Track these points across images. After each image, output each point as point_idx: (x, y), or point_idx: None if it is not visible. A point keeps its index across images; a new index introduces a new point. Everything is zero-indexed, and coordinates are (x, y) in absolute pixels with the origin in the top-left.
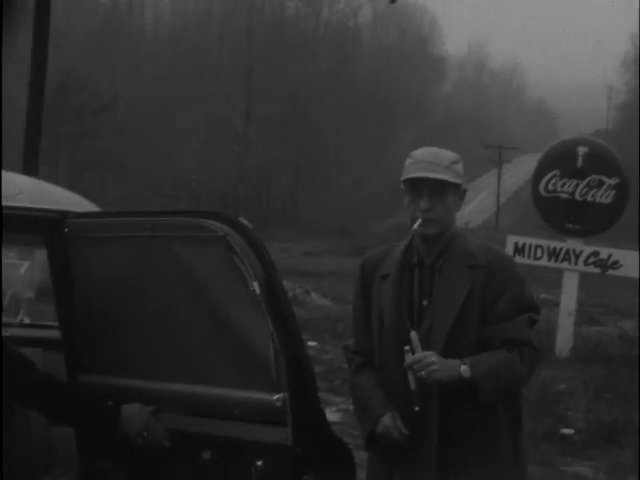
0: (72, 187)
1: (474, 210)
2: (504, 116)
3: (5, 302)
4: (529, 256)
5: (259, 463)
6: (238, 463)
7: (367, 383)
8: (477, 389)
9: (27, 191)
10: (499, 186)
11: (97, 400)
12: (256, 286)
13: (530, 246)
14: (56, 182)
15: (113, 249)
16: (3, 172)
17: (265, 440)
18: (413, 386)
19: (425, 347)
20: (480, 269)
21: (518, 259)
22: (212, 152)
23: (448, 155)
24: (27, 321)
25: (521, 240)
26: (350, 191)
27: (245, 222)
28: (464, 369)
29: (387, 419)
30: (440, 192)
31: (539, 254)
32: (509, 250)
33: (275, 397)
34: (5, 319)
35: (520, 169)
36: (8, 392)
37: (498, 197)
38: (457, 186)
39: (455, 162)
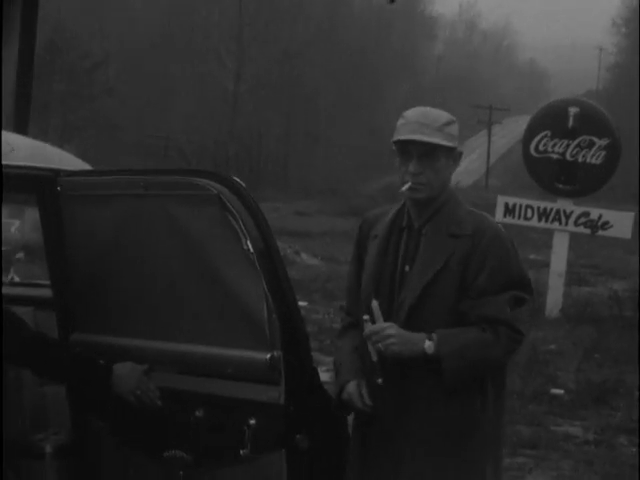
0: (62, 147)
1: (464, 170)
2: (495, 77)
3: None
4: (519, 217)
5: (252, 422)
6: (230, 422)
7: (345, 347)
8: (441, 367)
9: (20, 149)
10: (489, 147)
11: (89, 358)
12: (250, 245)
13: (520, 206)
14: (46, 142)
15: (106, 207)
16: None
17: (257, 399)
18: (374, 358)
19: (390, 317)
20: (464, 238)
21: (508, 220)
22: (202, 112)
23: (441, 116)
24: (17, 280)
25: (511, 200)
26: (341, 151)
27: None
28: (428, 345)
29: (351, 387)
30: (430, 155)
31: (529, 214)
32: (499, 211)
33: (268, 356)
34: None
35: (510, 130)
36: None
37: (488, 158)
38: (450, 149)
39: (448, 123)
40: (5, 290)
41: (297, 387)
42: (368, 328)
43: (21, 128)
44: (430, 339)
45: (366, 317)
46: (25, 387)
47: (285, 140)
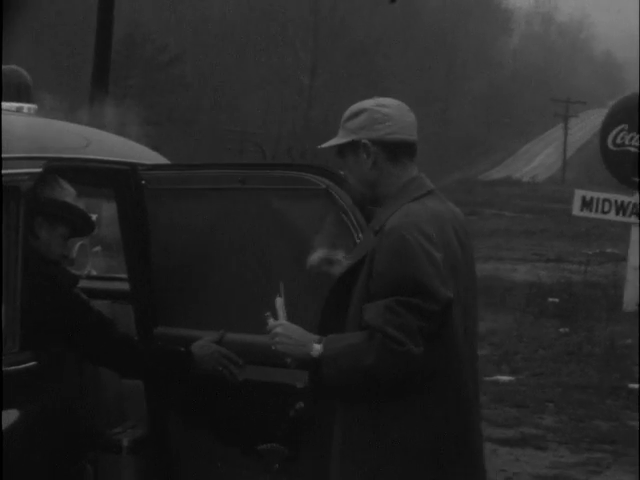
0: (138, 141)
1: (540, 165)
2: (571, 69)
3: (73, 255)
4: (596, 210)
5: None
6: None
7: None
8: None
9: (96, 143)
10: (566, 140)
11: (170, 350)
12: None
13: (598, 200)
14: (123, 136)
15: (198, 201)
16: (72, 125)
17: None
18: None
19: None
20: (378, 235)
21: (585, 213)
22: (278, 106)
23: (350, 110)
24: (94, 273)
25: (589, 194)
26: (417, 144)
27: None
28: (316, 348)
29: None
30: (341, 156)
31: (607, 208)
32: (576, 204)
33: None
34: (74, 272)
35: (587, 123)
36: (83, 350)
37: (565, 151)
38: (357, 143)
39: (349, 118)
40: (83, 284)
41: None
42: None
43: (98, 122)
44: (319, 342)
45: (267, 314)
46: (103, 381)
47: None
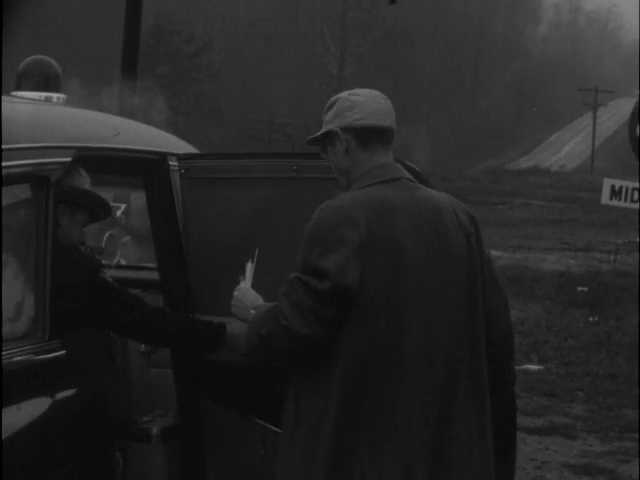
0: (167, 131)
1: (569, 154)
2: (600, 59)
3: (102, 244)
4: (625, 199)
5: None
6: None
7: None
8: None
9: (125, 132)
10: (594, 129)
11: (204, 321)
12: None
13: (627, 189)
14: (151, 125)
15: (242, 191)
16: (101, 114)
17: None
18: None
19: None
20: None
21: (614, 202)
22: (306, 95)
23: (327, 103)
24: (123, 263)
25: (618, 183)
26: (445, 134)
27: None
28: (251, 313)
29: None
30: (324, 151)
31: (636, 197)
32: (605, 193)
33: None
34: (103, 261)
35: (616, 112)
36: (116, 329)
37: (593, 140)
38: (331, 133)
39: (326, 110)
40: (113, 273)
41: None
42: None
43: (126, 112)
44: (255, 309)
45: (241, 277)
46: (132, 369)
47: None
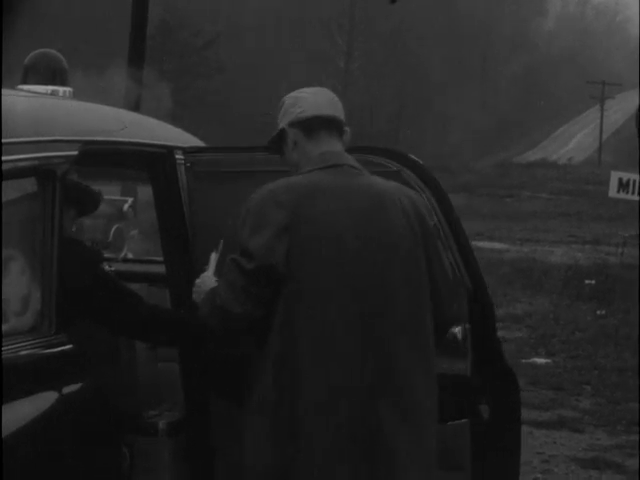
0: (174, 125)
1: (577, 147)
2: (607, 52)
3: (109, 238)
4: (633, 192)
5: None
6: None
7: None
8: None
9: (132, 126)
10: (602, 122)
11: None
12: (436, 220)
13: (634, 182)
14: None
15: (248, 184)
16: (108, 108)
17: (442, 371)
18: None
19: None
20: None
21: (622, 195)
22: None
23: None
24: (131, 257)
25: (625, 176)
26: (452, 127)
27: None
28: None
29: None
30: (280, 152)
31: None
32: (613, 186)
33: (457, 329)
34: (110, 255)
35: (623, 105)
36: (114, 325)
37: (601, 133)
38: (282, 132)
39: (277, 112)
40: (120, 267)
41: (482, 358)
42: None
43: (133, 106)
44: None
45: (205, 267)
46: (139, 364)
47: (396, 117)
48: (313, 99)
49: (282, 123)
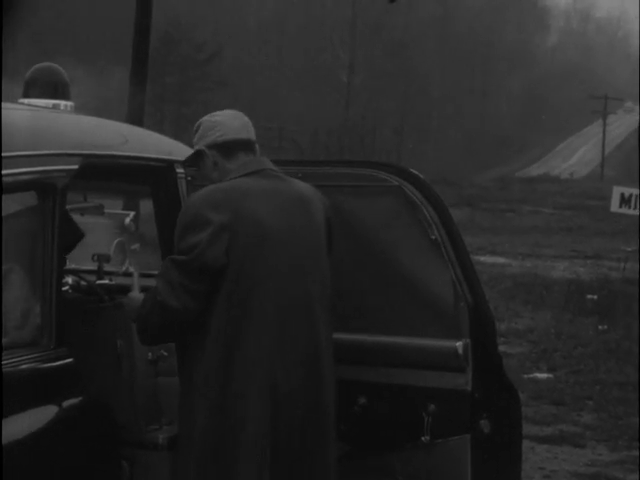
0: (177, 139)
1: (579, 161)
2: (610, 66)
3: (111, 252)
4: (635, 207)
5: (432, 409)
6: (408, 409)
7: None
8: None
9: (133, 140)
10: (604, 137)
11: None
12: (437, 234)
13: (636, 197)
14: (161, 133)
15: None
16: (109, 122)
17: (442, 386)
18: None
19: None
20: None
21: (624, 210)
22: (316, 103)
23: (194, 127)
24: (132, 270)
25: (627, 191)
26: (454, 142)
27: None
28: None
29: None
30: (195, 167)
31: None
32: (615, 201)
33: (457, 344)
34: (111, 269)
35: (625, 120)
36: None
37: (603, 148)
38: (199, 153)
39: (193, 134)
40: (121, 280)
41: (483, 373)
42: None
43: (136, 120)
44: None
45: (131, 286)
46: (138, 377)
47: (398, 131)
48: (230, 123)
49: (200, 145)
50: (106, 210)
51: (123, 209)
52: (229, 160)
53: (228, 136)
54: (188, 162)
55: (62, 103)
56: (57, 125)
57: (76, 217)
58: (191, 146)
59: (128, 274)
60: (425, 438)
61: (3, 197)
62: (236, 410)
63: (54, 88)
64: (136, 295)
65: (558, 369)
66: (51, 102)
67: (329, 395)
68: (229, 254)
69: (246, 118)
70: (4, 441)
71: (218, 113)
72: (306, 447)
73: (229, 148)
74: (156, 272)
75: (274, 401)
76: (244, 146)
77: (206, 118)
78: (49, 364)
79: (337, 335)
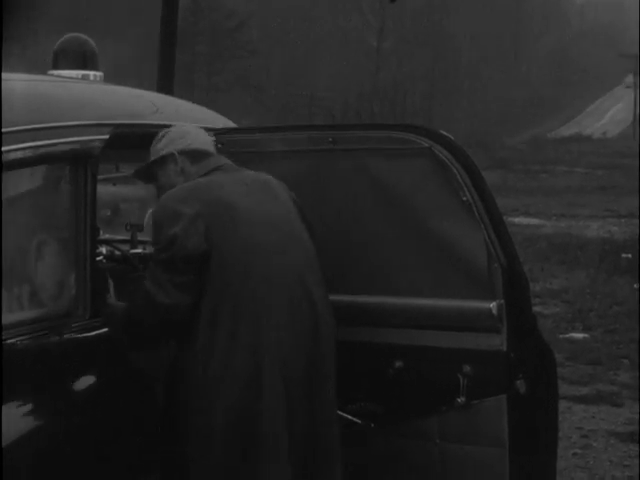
0: (207, 107)
1: (611, 121)
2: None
3: (144, 222)
4: None
5: (468, 370)
6: (444, 371)
7: None
8: None
9: (164, 109)
10: (636, 95)
11: None
12: (469, 195)
13: None
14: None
15: (282, 164)
16: (139, 91)
17: (478, 347)
18: None
19: None
20: None
21: None
22: (346, 69)
23: (156, 137)
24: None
25: None
26: (485, 104)
27: None
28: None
29: None
30: (150, 179)
31: None
32: None
33: (491, 305)
34: (144, 238)
35: None
36: None
37: (635, 106)
38: (165, 158)
39: (156, 142)
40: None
41: (517, 333)
42: None
43: (166, 89)
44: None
45: (107, 295)
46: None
47: (429, 95)
48: (198, 134)
49: (170, 149)
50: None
51: None
52: (194, 166)
53: (198, 145)
54: (148, 168)
55: (91, 73)
56: (87, 96)
57: (109, 187)
58: (221, 113)
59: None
60: (461, 400)
61: (36, 168)
62: (251, 386)
63: (83, 59)
64: (116, 304)
65: (594, 328)
66: (80, 73)
67: (329, 347)
68: (208, 239)
69: (208, 135)
70: (40, 413)
71: (184, 124)
72: (312, 390)
73: (196, 157)
74: None
75: (281, 361)
76: (207, 157)
77: (173, 128)
78: (84, 334)
79: (371, 299)
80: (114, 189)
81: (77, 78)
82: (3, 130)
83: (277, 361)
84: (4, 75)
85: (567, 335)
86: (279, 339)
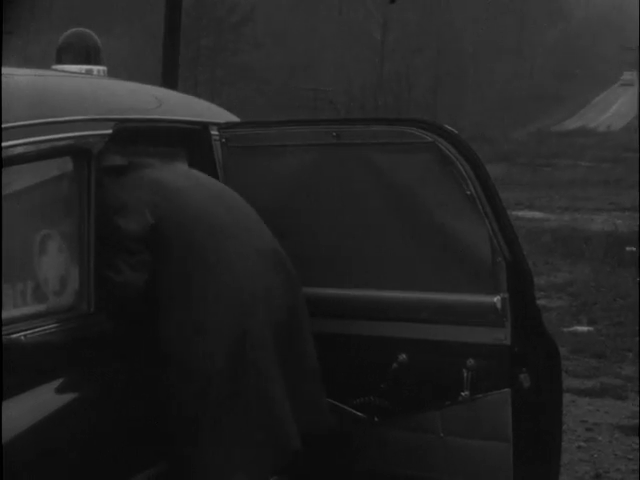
0: (212, 101)
1: (615, 114)
2: None
3: None
4: None
5: (472, 364)
6: (448, 365)
7: None
8: None
9: (167, 103)
10: (638, 88)
11: None
12: (472, 189)
13: None
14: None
15: (287, 158)
16: (143, 86)
17: (481, 341)
18: None
19: None
20: None
21: None
22: (350, 62)
23: None
24: None
25: None
26: (489, 98)
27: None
28: None
29: None
30: None
31: None
32: None
33: (495, 299)
34: None
35: None
36: None
37: (639, 100)
38: None
39: None
40: None
41: (522, 327)
42: None
43: (170, 83)
44: None
45: None
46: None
47: (433, 88)
48: None
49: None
50: None
51: None
52: None
53: None
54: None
55: (95, 68)
56: (91, 90)
57: None
58: (225, 107)
59: None
60: (465, 393)
61: (39, 163)
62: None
63: (87, 53)
64: None
65: (598, 322)
66: (84, 67)
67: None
68: (153, 215)
69: None
70: (44, 409)
71: None
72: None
73: None
74: None
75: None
76: None
77: None
78: (88, 329)
79: (375, 293)
80: None
81: (81, 73)
82: (6, 125)
83: (261, 303)
84: (6, 70)
85: (571, 328)
86: (258, 287)
